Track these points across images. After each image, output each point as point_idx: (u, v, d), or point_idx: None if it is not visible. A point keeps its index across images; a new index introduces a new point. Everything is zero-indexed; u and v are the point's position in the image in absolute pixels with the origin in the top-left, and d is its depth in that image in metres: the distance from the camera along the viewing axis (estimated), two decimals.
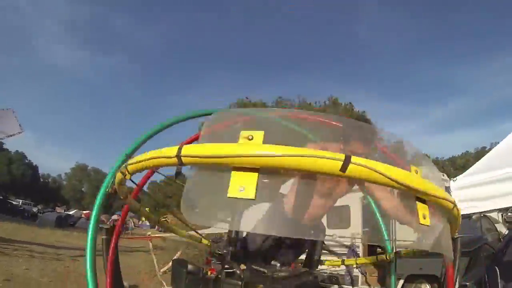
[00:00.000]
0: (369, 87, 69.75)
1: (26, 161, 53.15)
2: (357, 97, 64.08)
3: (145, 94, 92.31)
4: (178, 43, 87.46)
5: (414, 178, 1.03)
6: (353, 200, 7.32)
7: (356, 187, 2.21)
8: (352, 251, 6.85)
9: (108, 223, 2.23)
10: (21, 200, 37.48)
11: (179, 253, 7.65)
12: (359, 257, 6.78)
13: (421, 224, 1.09)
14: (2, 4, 72.76)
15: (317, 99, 32.10)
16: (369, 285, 6.38)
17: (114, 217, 18.74)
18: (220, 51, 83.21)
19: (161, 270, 6.68)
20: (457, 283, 5.16)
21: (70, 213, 34.76)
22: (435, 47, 63.89)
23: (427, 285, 5.71)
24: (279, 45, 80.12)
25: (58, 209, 38.72)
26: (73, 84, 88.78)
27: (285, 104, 25.80)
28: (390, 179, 0.93)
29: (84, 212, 36.67)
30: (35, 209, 35.72)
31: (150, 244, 7.37)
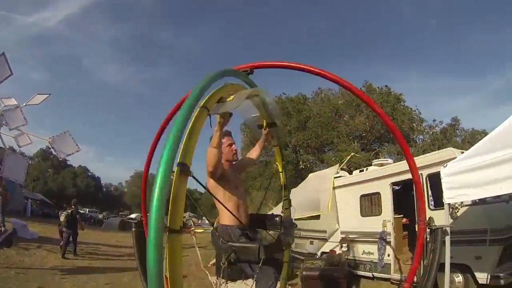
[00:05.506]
0: (414, 65, 63.35)
1: (89, 173, 58.49)
2: (401, 76, 59.20)
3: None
4: (217, 42, 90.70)
5: None
6: (383, 187, 7.22)
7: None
8: (382, 240, 6.89)
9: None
10: (87, 209, 41.29)
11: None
12: (389, 245, 6.85)
13: None
14: (49, 35, 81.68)
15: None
16: (401, 272, 6.38)
17: None
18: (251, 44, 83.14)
19: (210, 263, 7.34)
20: (488, 274, 5.01)
21: (132, 216, 37.55)
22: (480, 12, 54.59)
23: (459, 275, 5.30)
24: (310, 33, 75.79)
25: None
26: (124, 98, 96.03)
27: (325, 95, 25.52)
28: None
29: None
30: (100, 216, 39.48)
31: (194, 238, 8.07)
